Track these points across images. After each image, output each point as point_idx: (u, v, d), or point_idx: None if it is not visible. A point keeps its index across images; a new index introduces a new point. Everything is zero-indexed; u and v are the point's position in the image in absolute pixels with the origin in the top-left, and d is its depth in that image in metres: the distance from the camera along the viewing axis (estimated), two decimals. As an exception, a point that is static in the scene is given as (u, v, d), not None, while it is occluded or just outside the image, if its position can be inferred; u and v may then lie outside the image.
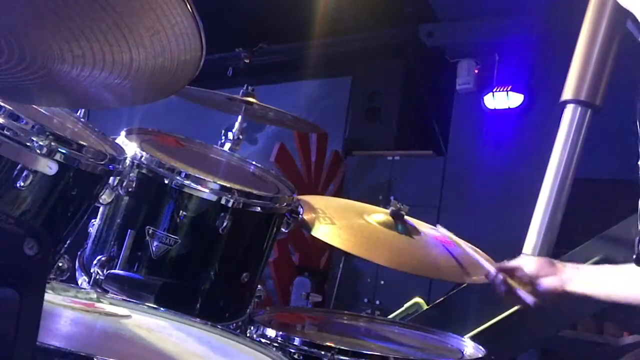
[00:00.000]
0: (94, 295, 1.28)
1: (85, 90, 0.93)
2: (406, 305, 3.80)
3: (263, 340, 1.39)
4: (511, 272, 1.58)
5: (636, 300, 1.41)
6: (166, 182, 1.51)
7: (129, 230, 1.52)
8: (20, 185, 1.16)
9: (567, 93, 2.54)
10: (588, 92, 2.50)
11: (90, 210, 1.39)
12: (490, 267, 1.62)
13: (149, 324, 1.25)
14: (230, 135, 2.06)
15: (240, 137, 2.07)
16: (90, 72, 0.86)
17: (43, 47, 0.82)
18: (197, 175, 1.52)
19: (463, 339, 1.75)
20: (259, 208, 1.58)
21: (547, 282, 1.52)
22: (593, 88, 2.50)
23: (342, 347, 1.40)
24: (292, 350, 1.41)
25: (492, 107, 4.90)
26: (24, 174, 1.16)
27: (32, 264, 0.70)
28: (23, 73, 0.88)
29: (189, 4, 0.77)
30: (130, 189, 1.45)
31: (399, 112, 5.25)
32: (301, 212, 1.72)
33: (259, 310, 1.68)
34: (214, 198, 1.52)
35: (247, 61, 3.52)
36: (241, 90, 2.20)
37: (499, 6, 4.59)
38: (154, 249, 1.51)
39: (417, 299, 3.88)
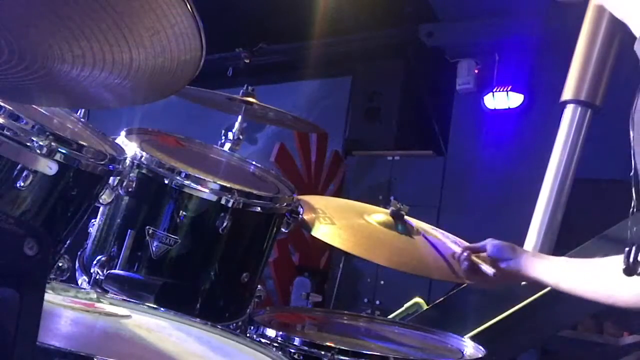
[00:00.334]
0: (94, 295, 1.28)
1: (85, 90, 0.93)
2: (406, 305, 3.80)
3: (263, 340, 1.39)
4: (476, 251, 1.69)
5: (595, 297, 1.46)
6: (166, 182, 1.51)
7: (129, 230, 1.52)
8: (20, 185, 1.16)
9: (567, 93, 2.54)
10: (588, 92, 2.50)
11: (90, 210, 1.39)
12: (456, 247, 1.74)
13: (149, 324, 1.25)
14: (230, 135, 2.06)
15: (240, 137, 2.07)
16: (90, 72, 0.86)
17: (43, 47, 0.82)
18: (197, 175, 1.52)
19: (463, 339, 1.75)
20: (259, 208, 1.58)
21: (506, 265, 1.62)
22: (593, 88, 2.50)
23: (342, 347, 1.39)
24: (292, 350, 1.41)
25: (492, 107, 4.90)
26: (24, 174, 1.16)
27: (32, 264, 0.70)
28: (23, 73, 0.88)
29: (189, 4, 0.77)
30: (130, 189, 1.45)
31: (399, 112, 5.25)
32: (301, 212, 1.72)
33: (259, 310, 1.68)
34: (214, 198, 1.52)
35: (247, 61, 3.52)
36: (241, 90, 2.20)
37: (499, 6, 4.59)
38: (154, 249, 1.51)
39: (417, 299, 3.88)
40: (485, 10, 4.72)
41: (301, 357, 1.40)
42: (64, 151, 1.20)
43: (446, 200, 4.99)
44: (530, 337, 2.55)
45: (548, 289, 2.18)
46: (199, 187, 1.51)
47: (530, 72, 4.70)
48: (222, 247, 1.56)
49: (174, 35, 0.80)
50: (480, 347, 1.64)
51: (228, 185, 1.53)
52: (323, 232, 1.75)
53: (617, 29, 2.52)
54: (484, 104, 4.94)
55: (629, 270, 1.10)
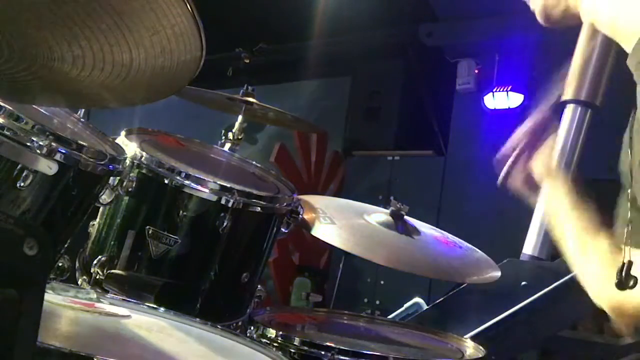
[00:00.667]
0: (94, 295, 1.28)
1: (85, 90, 0.93)
2: (406, 305, 3.80)
3: (263, 340, 1.39)
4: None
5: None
6: (166, 182, 1.51)
7: (129, 230, 1.52)
8: (20, 185, 1.16)
9: (567, 93, 2.54)
10: (588, 92, 2.49)
11: (90, 210, 1.39)
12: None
13: (149, 324, 1.25)
14: (230, 135, 2.06)
15: (240, 137, 2.07)
16: (91, 72, 0.86)
17: (43, 47, 0.82)
18: (197, 175, 1.52)
19: (463, 339, 1.75)
20: (259, 208, 1.58)
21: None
22: (593, 88, 2.50)
23: (342, 347, 1.39)
24: (292, 350, 1.41)
25: (492, 107, 4.89)
26: (24, 174, 1.16)
27: (32, 264, 0.70)
28: (23, 73, 0.88)
29: (189, 4, 0.77)
30: (130, 189, 1.45)
31: (399, 112, 5.25)
32: (301, 212, 1.72)
33: (259, 310, 1.68)
34: (214, 198, 1.52)
35: (247, 61, 3.52)
36: (241, 90, 2.20)
37: (499, 6, 4.59)
38: (154, 249, 1.51)
39: (417, 299, 3.88)
40: (485, 10, 4.72)
41: (301, 357, 1.40)
42: (64, 151, 1.20)
43: (446, 200, 4.99)
44: (530, 337, 2.55)
45: (548, 289, 2.19)
46: (199, 187, 1.51)
47: (530, 72, 4.70)
48: (222, 247, 1.56)
49: (174, 36, 0.80)
50: (480, 347, 1.64)
51: (228, 185, 1.53)
52: (323, 232, 1.75)
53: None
54: (484, 104, 4.93)
55: (621, 284, 1.10)
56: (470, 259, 1.87)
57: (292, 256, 5.33)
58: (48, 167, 1.18)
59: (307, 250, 5.31)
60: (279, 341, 1.43)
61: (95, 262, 1.52)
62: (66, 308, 1.17)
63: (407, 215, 1.86)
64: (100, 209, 1.57)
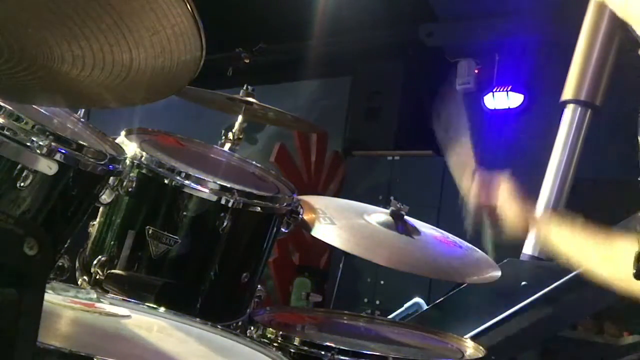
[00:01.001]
0: (94, 295, 1.28)
1: (85, 90, 0.93)
2: (406, 305, 3.80)
3: (263, 340, 1.39)
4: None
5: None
6: (166, 182, 1.51)
7: (129, 230, 1.52)
8: (20, 185, 1.16)
9: (567, 93, 2.55)
10: (588, 92, 2.50)
11: (90, 210, 1.39)
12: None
13: (149, 324, 1.25)
14: (230, 135, 2.06)
15: (240, 137, 2.07)
16: (90, 72, 0.86)
17: (43, 47, 0.82)
18: (197, 175, 1.52)
19: (463, 339, 1.75)
20: (259, 208, 1.58)
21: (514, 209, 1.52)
22: (593, 88, 2.50)
23: (342, 347, 1.39)
24: (292, 350, 1.41)
25: (492, 107, 4.89)
26: (24, 174, 1.16)
27: (32, 264, 0.70)
28: (23, 73, 0.88)
29: (189, 4, 0.77)
30: (130, 189, 1.45)
31: (399, 112, 5.25)
32: (301, 212, 1.72)
33: (259, 310, 1.68)
34: (214, 198, 1.52)
35: (247, 61, 3.52)
36: (241, 90, 2.20)
37: (499, 6, 4.59)
38: (154, 249, 1.51)
39: (417, 299, 3.88)
40: (485, 10, 4.72)
41: (301, 357, 1.40)
42: (64, 151, 1.20)
43: (446, 200, 4.99)
44: (530, 337, 2.55)
45: (548, 288, 2.19)
46: (199, 187, 1.51)
47: (530, 72, 4.70)
48: (222, 247, 1.56)
49: (174, 36, 0.80)
50: (480, 347, 1.64)
51: (228, 185, 1.53)
52: (323, 232, 1.75)
53: (617, 30, 2.53)
54: (484, 104, 4.94)
55: (639, 275, 1.10)
56: (470, 259, 1.87)
57: (292, 256, 5.33)
58: (48, 167, 1.18)
59: (307, 250, 5.32)
60: (279, 341, 1.43)
61: (95, 262, 1.52)
62: (66, 308, 1.17)
63: (407, 215, 1.86)
64: (100, 209, 1.57)
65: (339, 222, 1.81)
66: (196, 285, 1.56)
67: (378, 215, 1.87)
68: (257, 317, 1.58)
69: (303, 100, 5.84)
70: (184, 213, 1.52)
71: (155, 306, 1.32)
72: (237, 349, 1.22)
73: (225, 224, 1.51)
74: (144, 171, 1.51)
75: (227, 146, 2.03)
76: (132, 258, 1.52)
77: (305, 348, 1.40)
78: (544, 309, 2.24)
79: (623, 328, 3.67)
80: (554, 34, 4.16)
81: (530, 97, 4.81)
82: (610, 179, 3.84)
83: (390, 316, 3.23)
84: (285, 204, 1.66)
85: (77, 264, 1.58)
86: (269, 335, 1.45)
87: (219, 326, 1.29)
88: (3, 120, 1.13)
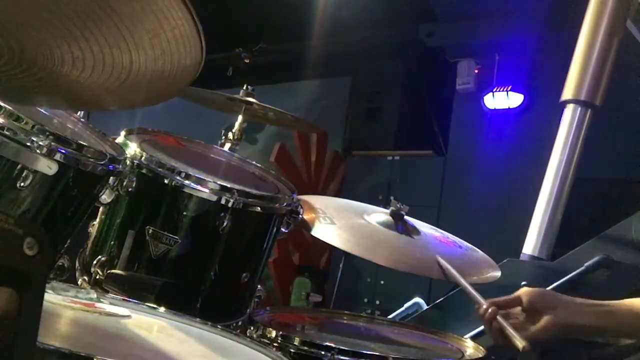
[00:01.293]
0: (94, 295, 1.28)
1: (85, 92, 0.93)
2: (406, 305, 3.80)
3: (263, 340, 1.39)
4: (506, 306, 1.45)
5: None
6: (166, 182, 1.51)
7: (129, 230, 1.52)
8: (20, 185, 1.16)
9: (567, 93, 2.55)
10: (588, 92, 2.50)
11: (90, 210, 1.39)
12: (482, 300, 1.47)
13: (149, 324, 1.25)
14: (230, 135, 2.06)
15: (241, 137, 2.07)
16: (90, 74, 0.86)
17: (43, 48, 0.82)
18: (197, 175, 1.52)
19: (463, 339, 1.75)
20: (259, 208, 1.58)
21: (553, 315, 1.38)
22: (593, 88, 2.50)
23: (342, 347, 1.39)
24: (292, 350, 1.41)
25: (492, 107, 4.89)
26: (24, 174, 1.16)
27: (32, 264, 0.70)
28: (23, 75, 0.88)
29: (189, 7, 0.77)
30: (130, 189, 1.45)
31: (399, 112, 5.25)
32: (301, 212, 1.72)
33: (259, 310, 1.68)
34: (214, 198, 1.52)
35: (247, 61, 3.52)
36: (241, 90, 2.20)
37: (499, 6, 4.59)
38: (154, 249, 1.51)
39: (417, 299, 3.88)
40: (485, 10, 4.72)
41: (301, 357, 1.40)
42: (64, 151, 1.20)
43: (446, 200, 4.99)
44: (530, 337, 2.55)
45: (548, 288, 2.18)
46: (199, 187, 1.51)
47: (530, 72, 4.70)
48: (222, 247, 1.56)
49: (174, 38, 0.80)
50: (480, 347, 1.64)
51: (228, 185, 1.53)
52: (323, 232, 1.75)
53: (617, 30, 2.53)
54: (484, 104, 4.94)
55: None
56: (470, 259, 1.87)
57: (292, 256, 5.33)
58: (48, 167, 1.18)
59: (307, 250, 5.32)
60: (279, 341, 1.43)
61: (95, 262, 1.52)
62: (66, 308, 1.17)
63: (407, 215, 1.86)
64: (100, 209, 1.57)
65: (339, 222, 1.81)
66: (196, 285, 1.56)
67: (378, 215, 1.87)
68: (257, 317, 1.58)
69: (303, 100, 5.84)
70: (184, 213, 1.52)
71: (155, 306, 1.32)
72: (237, 349, 1.22)
73: (225, 224, 1.51)
74: (144, 171, 1.51)
75: (227, 146, 2.03)
76: (132, 258, 1.52)
77: (305, 348, 1.41)
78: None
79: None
80: (554, 34, 4.17)
81: (530, 97, 4.81)
82: (610, 179, 3.84)
83: (390, 316, 3.24)
84: (285, 203, 1.66)
85: (77, 264, 1.58)
86: (269, 335, 1.45)
87: (219, 326, 1.29)
88: (3, 120, 1.13)
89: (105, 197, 1.40)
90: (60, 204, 1.26)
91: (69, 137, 1.24)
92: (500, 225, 4.16)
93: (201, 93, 2.25)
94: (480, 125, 4.96)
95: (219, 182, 1.53)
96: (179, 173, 1.51)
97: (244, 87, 2.20)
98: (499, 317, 1.40)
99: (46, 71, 0.86)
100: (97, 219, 1.59)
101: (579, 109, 2.53)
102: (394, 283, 4.75)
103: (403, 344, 1.69)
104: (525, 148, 4.37)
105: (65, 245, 1.37)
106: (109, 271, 1.50)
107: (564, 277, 2.23)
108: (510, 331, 1.36)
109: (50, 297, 1.19)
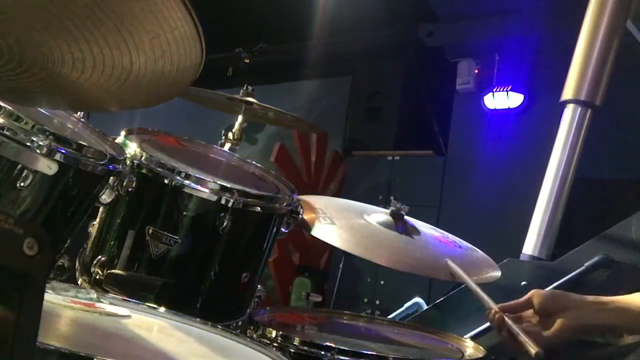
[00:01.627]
0: (94, 295, 1.28)
1: (85, 93, 0.93)
2: (406, 305, 3.80)
3: (263, 340, 1.39)
4: (516, 310, 1.41)
5: None
6: (166, 182, 1.51)
7: (129, 230, 1.52)
8: (20, 185, 1.16)
9: (567, 93, 2.55)
10: (588, 92, 2.50)
11: (90, 210, 1.39)
12: (492, 304, 1.44)
13: (149, 324, 1.25)
14: (230, 135, 2.06)
15: (240, 137, 2.07)
16: (90, 75, 0.86)
17: (43, 49, 0.82)
18: (197, 175, 1.52)
19: (463, 339, 1.75)
20: (259, 208, 1.58)
21: (566, 318, 1.35)
22: (593, 88, 2.50)
23: (342, 347, 1.39)
24: (292, 350, 1.41)
25: (492, 107, 4.90)
26: (24, 174, 1.16)
27: (32, 264, 0.70)
28: (23, 76, 0.88)
29: (190, 8, 0.78)
30: (130, 189, 1.45)
31: (399, 112, 5.25)
32: (301, 212, 1.72)
33: (259, 310, 1.68)
34: (214, 198, 1.52)
35: (247, 61, 3.52)
36: (241, 90, 2.20)
37: (499, 6, 4.60)
38: (154, 249, 1.51)
39: (417, 299, 3.88)
40: (485, 10, 4.73)
41: (301, 357, 1.40)
42: (64, 151, 1.20)
43: (446, 200, 4.99)
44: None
45: (548, 288, 2.18)
46: (199, 187, 1.51)
47: (530, 72, 4.70)
48: (222, 247, 1.56)
49: (174, 39, 0.80)
50: (480, 347, 1.64)
51: (228, 185, 1.53)
52: (323, 232, 1.75)
53: (617, 30, 2.53)
54: (484, 104, 4.94)
55: None
56: (470, 259, 1.87)
57: (292, 256, 5.33)
58: (48, 167, 1.18)
59: (307, 250, 5.32)
60: (279, 341, 1.43)
61: (95, 262, 1.52)
62: (66, 308, 1.17)
63: (407, 215, 1.86)
64: (100, 209, 1.57)
65: (339, 222, 1.81)
66: (196, 285, 1.56)
67: (378, 215, 1.87)
68: (257, 317, 1.58)
69: (303, 100, 5.84)
70: (184, 213, 1.52)
71: (155, 306, 1.32)
72: (237, 349, 1.22)
73: (225, 224, 1.51)
74: (144, 171, 1.51)
75: (227, 146, 2.03)
76: (132, 258, 1.52)
77: (305, 348, 1.40)
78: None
79: (623, 328, 3.67)
80: (554, 34, 4.17)
81: (530, 97, 4.81)
82: (610, 179, 3.85)
83: (390, 316, 3.24)
84: (285, 203, 1.66)
85: (77, 264, 1.58)
86: (269, 335, 1.45)
87: (219, 326, 1.29)
88: (3, 120, 1.13)
89: (105, 197, 1.40)
90: (60, 204, 1.26)
91: (69, 137, 1.24)
92: (500, 225, 4.17)
93: (201, 93, 2.25)
94: (480, 125, 4.96)
95: (219, 182, 1.53)
96: (179, 173, 1.51)
97: (244, 87, 2.20)
98: (510, 322, 1.36)
99: (46, 72, 0.86)
100: (97, 219, 1.59)
101: (579, 109, 2.53)
102: (394, 283, 4.75)
103: (403, 344, 1.69)
104: (525, 148, 4.37)
105: (65, 245, 1.37)
106: (109, 271, 1.50)
107: (564, 277, 2.22)
108: (523, 337, 1.32)
109: (50, 297, 1.19)
